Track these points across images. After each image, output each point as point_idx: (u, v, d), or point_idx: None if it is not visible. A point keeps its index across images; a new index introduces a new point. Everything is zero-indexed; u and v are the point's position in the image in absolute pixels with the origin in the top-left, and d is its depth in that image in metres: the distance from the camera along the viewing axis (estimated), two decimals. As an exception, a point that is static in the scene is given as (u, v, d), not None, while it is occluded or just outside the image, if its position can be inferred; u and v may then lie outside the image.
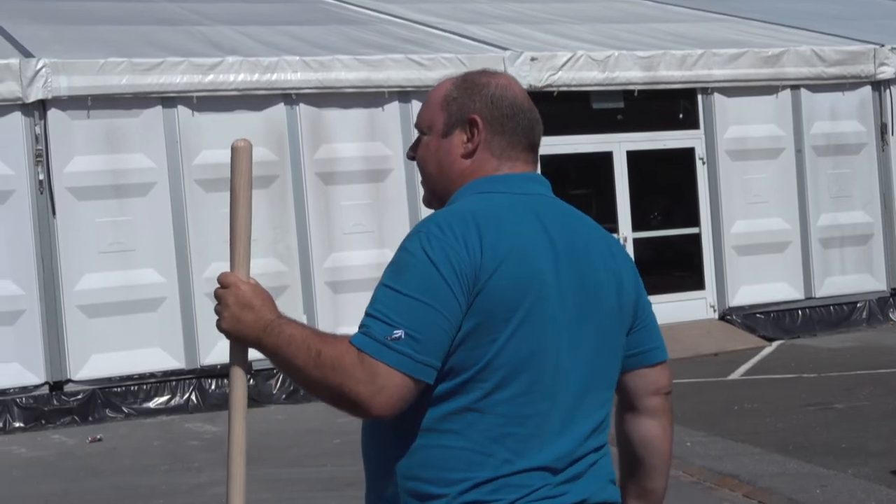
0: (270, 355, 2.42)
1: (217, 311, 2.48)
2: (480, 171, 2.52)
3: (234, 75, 11.80)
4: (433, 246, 2.31)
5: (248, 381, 2.34)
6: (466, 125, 2.52)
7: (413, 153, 2.63)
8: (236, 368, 2.55)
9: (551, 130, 13.52)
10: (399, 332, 2.25)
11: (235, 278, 2.49)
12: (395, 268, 2.34)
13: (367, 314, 2.31)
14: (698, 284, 14.14)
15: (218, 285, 2.50)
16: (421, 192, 2.72)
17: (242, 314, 2.43)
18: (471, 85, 2.55)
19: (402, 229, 12.30)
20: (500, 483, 2.34)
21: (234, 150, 2.57)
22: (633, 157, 13.94)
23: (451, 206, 2.48)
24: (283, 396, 11.43)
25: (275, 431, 9.97)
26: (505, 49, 13.23)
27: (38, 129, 11.14)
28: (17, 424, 10.91)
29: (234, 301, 2.45)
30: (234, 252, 2.56)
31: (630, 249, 13.78)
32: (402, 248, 2.37)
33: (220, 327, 2.49)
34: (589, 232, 2.54)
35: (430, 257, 2.30)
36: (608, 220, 13.94)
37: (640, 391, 2.65)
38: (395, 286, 2.31)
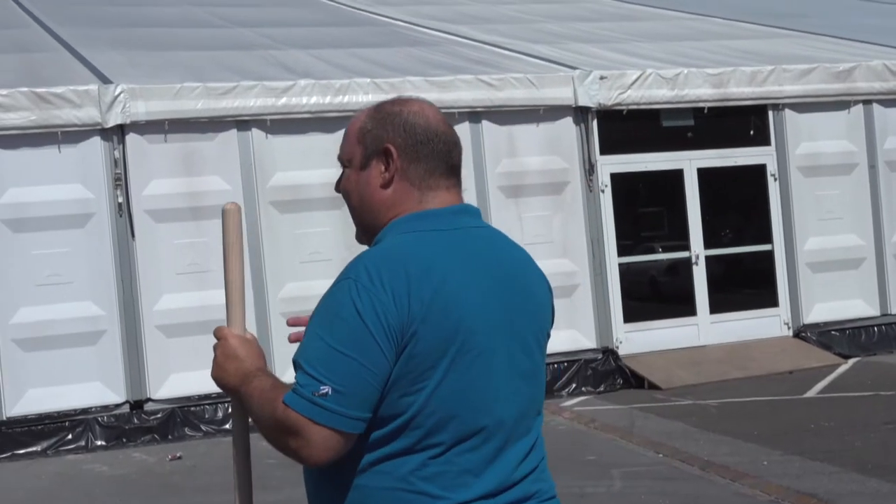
0: (246, 405, 2.51)
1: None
2: (403, 202, 2.52)
3: (307, 98, 11.87)
4: (362, 298, 2.32)
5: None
6: (382, 155, 2.51)
7: (338, 186, 2.64)
8: (234, 421, 2.66)
9: (621, 149, 13.46)
10: (326, 388, 2.30)
11: (227, 331, 2.60)
12: (325, 316, 2.37)
13: (298, 366, 2.36)
14: (772, 302, 13.93)
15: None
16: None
17: (226, 364, 2.54)
18: (384, 115, 2.55)
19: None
20: None
21: (224, 212, 2.67)
22: (703, 174, 13.79)
23: (382, 245, 2.48)
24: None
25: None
26: (574, 68, 13.18)
27: (116, 154, 11.29)
28: (98, 443, 11.04)
29: (221, 352, 2.56)
30: (229, 307, 2.66)
31: (702, 267, 13.65)
32: (332, 295, 2.38)
33: (211, 376, 2.60)
34: (514, 261, 2.56)
35: (359, 311, 2.31)
36: (679, 237, 13.82)
37: None
38: (324, 337, 2.34)
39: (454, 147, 2.56)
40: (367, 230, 2.58)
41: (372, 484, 2.40)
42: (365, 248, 2.54)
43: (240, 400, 2.53)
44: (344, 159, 2.60)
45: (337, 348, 2.31)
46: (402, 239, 2.45)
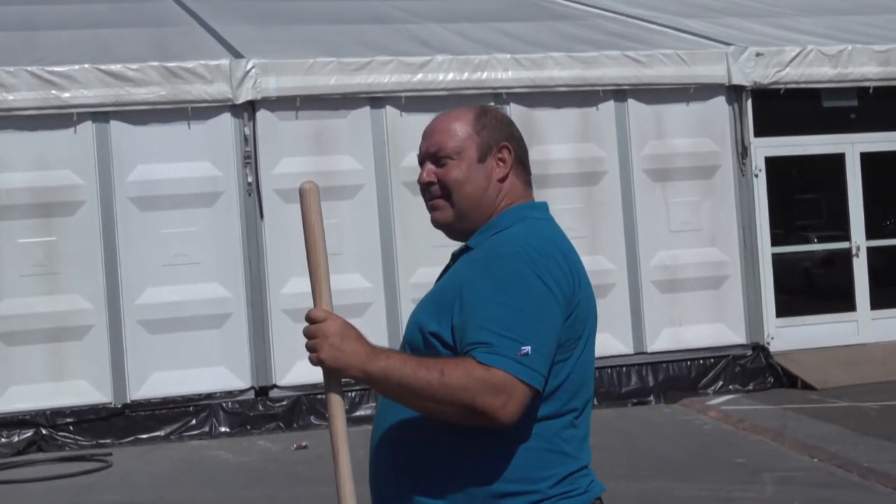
0: (379, 381, 2.62)
1: (311, 347, 2.66)
2: (517, 196, 2.93)
3: (444, 74, 11.85)
4: (540, 268, 2.65)
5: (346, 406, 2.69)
6: (500, 151, 2.91)
7: (433, 178, 2.92)
8: (334, 396, 2.69)
9: (778, 131, 13.09)
10: (527, 348, 2.56)
11: (327, 313, 2.69)
12: (507, 289, 2.63)
13: (490, 331, 2.57)
14: (939, 298, 13.50)
15: (307, 323, 2.71)
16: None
17: (343, 345, 2.64)
18: (498, 119, 2.96)
19: (616, 234, 12.12)
20: (574, 476, 2.74)
21: (302, 192, 2.76)
22: (867, 158, 13.40)
23: (522, 227, 2.79)
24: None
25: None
26: (728, 44, 12.91)
27: (247, 131, 11.41)
28: (222, 429, 11.19)
29: (334, 333, 2.64)
30: (316, 288, 2.73)
31: (863, 259, 13.29)
32: (509, 271, 2.65)
33: (315, 360, 2.66)
34: None
35: (540, 277, 2.64)
36: (838, 227, 13.48)
37: None
38: (507, 303, 2.60)
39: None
40: (468, 217, 2.90)
41: (526, 445, 2.67)
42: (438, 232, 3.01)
43: (366, 379, 2.62)
44: (450, 153, 2.90)
45: (527, 311, 2.59)
46: (533, 223, 2.84)
